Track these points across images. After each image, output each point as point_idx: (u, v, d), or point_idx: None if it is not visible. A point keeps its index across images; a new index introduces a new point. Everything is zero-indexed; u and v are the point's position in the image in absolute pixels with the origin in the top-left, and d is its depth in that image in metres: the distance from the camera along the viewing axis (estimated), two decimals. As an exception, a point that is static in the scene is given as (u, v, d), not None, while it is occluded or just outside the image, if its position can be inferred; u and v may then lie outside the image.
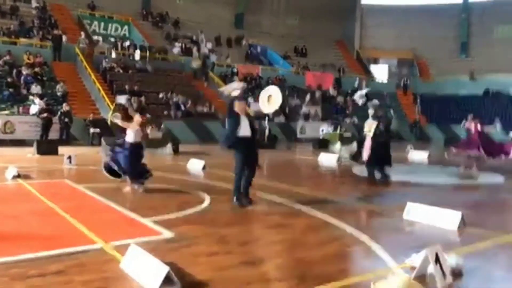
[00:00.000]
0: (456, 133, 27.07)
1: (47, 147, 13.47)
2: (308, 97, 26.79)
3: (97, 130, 16.99)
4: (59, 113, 16.59)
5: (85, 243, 4.58)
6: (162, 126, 16.38)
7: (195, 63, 25.15)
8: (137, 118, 7.77)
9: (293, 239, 5.01)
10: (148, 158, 13.39)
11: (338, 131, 20.82)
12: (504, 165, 12.68)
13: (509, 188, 9.61)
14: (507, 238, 5.28)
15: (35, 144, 13.57)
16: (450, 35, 36.27)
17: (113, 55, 23.61)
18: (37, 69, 19.81)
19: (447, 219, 5.78)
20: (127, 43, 25.40)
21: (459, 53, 36.34)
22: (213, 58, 27.71)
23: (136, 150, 7.64)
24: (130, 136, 7.62)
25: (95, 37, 24.66)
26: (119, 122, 8.03)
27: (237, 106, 6.46)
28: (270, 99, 6.86)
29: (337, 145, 19.18)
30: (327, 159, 13.73)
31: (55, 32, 22.76)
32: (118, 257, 4.12)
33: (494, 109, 28.43)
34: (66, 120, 16.55)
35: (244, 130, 6.45)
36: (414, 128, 27.81)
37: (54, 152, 13.24)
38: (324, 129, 21.52)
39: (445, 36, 35.98)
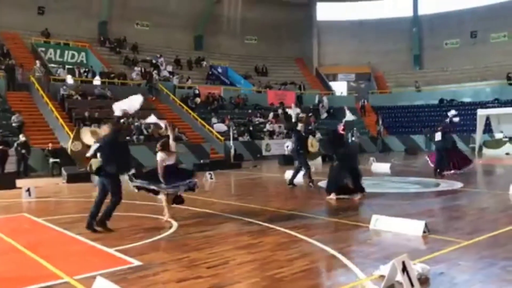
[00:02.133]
0: (416, 142, 28.03)
1: (3, 181, 12.89)
2: (271, 115, 27.08)
3: (57, 160, 16.48)
4: (15, 144, 15.99)
5: (48, 279, 4.41)
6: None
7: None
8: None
9: (264, 258, 5.00)
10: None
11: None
12: (463, 172, 13.21)
13: (468, 194, 9.99)
14: (469, 243, 5.47)
15: (-10, 178, 13.00)
16: (403, 48, 37.72)
17: (71, 81, 23.12)
18: (-10, 101, 19.13)
19: (411, 228, 5.95)
20: (82, 69, 24.95)
21: (413, 66, 37.82)
22: (175, 80, 27.64)
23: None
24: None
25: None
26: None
27: None
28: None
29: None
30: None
31: (8, 61, 22.11)
32: (84, 291, 3.99)
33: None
34: (23, 151, 15.95)
35: None
36: (378, 141, 28.48)
37: (12, 185, 12.70)
38: (289, 145, 21.72)
39: (399, 49, 37.41)
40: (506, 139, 24.05)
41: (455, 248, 5.21)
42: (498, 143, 24.23)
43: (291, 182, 11.47)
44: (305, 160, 11.39)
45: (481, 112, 24.73)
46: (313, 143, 10.35)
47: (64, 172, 14.36)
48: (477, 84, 31.89)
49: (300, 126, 11.68)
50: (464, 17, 35.14)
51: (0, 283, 4.38)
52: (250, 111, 27.56)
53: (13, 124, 18.28)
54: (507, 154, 23.03)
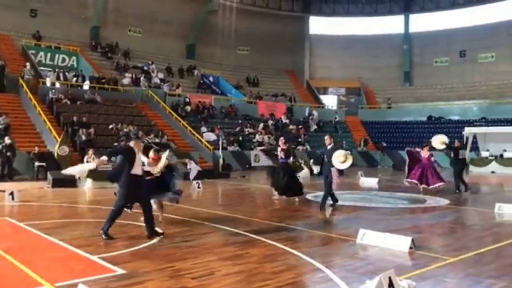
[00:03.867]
0: (404, 158, 28.18)
1: (-13, 183, 12.68)
2: (261, 125, 27.11)
3: (43, 163, 16.25)
4: (0, 146, 15.74)
5: (29, 286, 4.31)
6: (113, 158, 15.89)
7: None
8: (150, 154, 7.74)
9: (250, 270, 4.94)
10: (98, 191, 12.97)
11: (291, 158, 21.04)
12: (448, 189, 13.30)
13: (455, 211, 10.05)
14: (455, 260, 5.47)
15: (-27, 180, 12.74)
16: (393, 64, 38.20)
17: (57, 85, 22.92)
18: (-23, 101, 18.86)
19: (398, 244, 5.95)
20: (72, 73, 24.74)
21: (403, 82, 38.26)
22: (165, 88, 27.58)
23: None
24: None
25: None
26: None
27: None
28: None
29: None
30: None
31: (-3, 63, 21.89)
32: (65, 298, 3.89)
33: (437, 133, 29.92)
34: (8, 154, 15.71)
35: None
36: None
37: (-5, 188, 12.48)
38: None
39: (389, 66, 37.89)
40: (492, 157, 24.37)
41: (441, 265, 5.21)
42: (484, 161, 24.52)
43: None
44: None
45: (468, 130, 25.02)
46: (347, 156, 9.68)
47: (49, 176, 14.15)
48: (465, 103, 32.35)
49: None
50: (453, 36, 35.76)
51: (-22, 289, 4.27)
52: (240, 121, 27.55)
53: (-1, 126, 18.03)
54: (492, 172, 23.29)
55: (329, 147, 9.95)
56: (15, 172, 16.27)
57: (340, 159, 9.44)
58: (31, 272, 4.73)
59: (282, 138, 12.18)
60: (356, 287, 4.33)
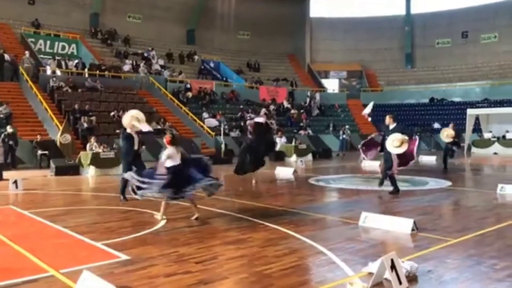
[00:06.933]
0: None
1: (-10, 172, 12.74)
2: (262, 110, 27.03)
3: (46, 152, 16.30)
4: (2, 135, 15.79)
5: (34, 272, 4.34)
6: (115, 145, 15.95)
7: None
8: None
9: (253, 254, 4.98)
10: (101, 178, 13.03)
11: (293, 143, 21.09)
12: (451, 170, 13.32)
13: (456, 193, 10.06)
14: (457, 241, 5.50)
15: (-23, 169, 12.80)
16: (395, 46, 37.92)
17: (58, 73, 22.84)
18: (-23, 91, 18.84)
19: (400, 226, 5.98)
20: (75, 61, 24.65)
21: (405, 64, 38.00)
22: (166, 74, 27.47)
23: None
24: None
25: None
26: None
27: None
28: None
29: (293, 157, 19.42)
30: (284, 172, 13.87)
31: (-3, 51, 21.81)
32: (71, 284, 3.94)
33: (439, 116, 29.89)
34: (11, 142, 15.75)
35: None
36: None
37: (-2, 177, 12.56)
38: (278, 141, 21.69)
39: (391, 48, 37.61)
40: (495, 139, 24.33)
41: (443, 246, 5.24)
42: (487, 143, 24.48)
43: None
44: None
45: (470, 112, 24.94)
46: (403, 141, 8.84)
47: (52, 165, 14.21)
48: (467, 84, 32.18)
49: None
50: (455, 17, 35.40)
51: (-16, 276, 4.31)
52: (241, 106, 27.49)
53: (1, 115, 18.04)
54: (495, 153, 23.26)
55: (391, 126, 9.04)
56: (18, 160, 16.34)
57: (395, 144, 8.76)
58: (36, 259, 4.78)
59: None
60: (358, 269, 4.36)
